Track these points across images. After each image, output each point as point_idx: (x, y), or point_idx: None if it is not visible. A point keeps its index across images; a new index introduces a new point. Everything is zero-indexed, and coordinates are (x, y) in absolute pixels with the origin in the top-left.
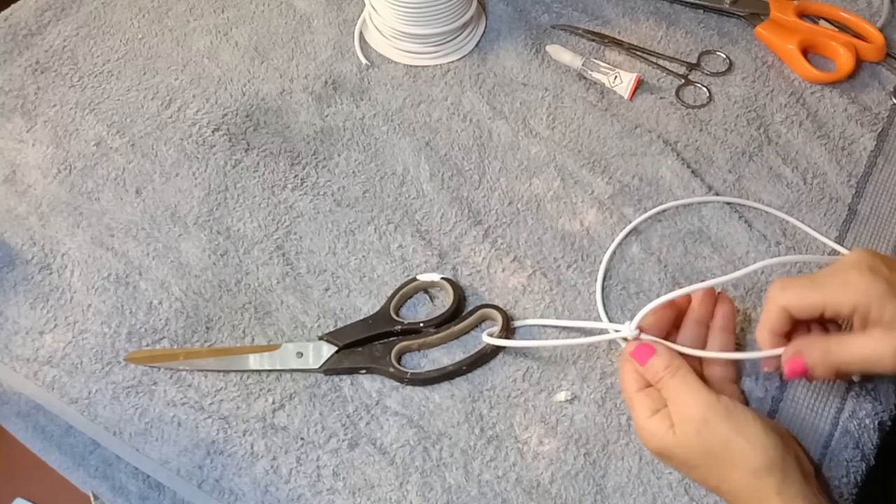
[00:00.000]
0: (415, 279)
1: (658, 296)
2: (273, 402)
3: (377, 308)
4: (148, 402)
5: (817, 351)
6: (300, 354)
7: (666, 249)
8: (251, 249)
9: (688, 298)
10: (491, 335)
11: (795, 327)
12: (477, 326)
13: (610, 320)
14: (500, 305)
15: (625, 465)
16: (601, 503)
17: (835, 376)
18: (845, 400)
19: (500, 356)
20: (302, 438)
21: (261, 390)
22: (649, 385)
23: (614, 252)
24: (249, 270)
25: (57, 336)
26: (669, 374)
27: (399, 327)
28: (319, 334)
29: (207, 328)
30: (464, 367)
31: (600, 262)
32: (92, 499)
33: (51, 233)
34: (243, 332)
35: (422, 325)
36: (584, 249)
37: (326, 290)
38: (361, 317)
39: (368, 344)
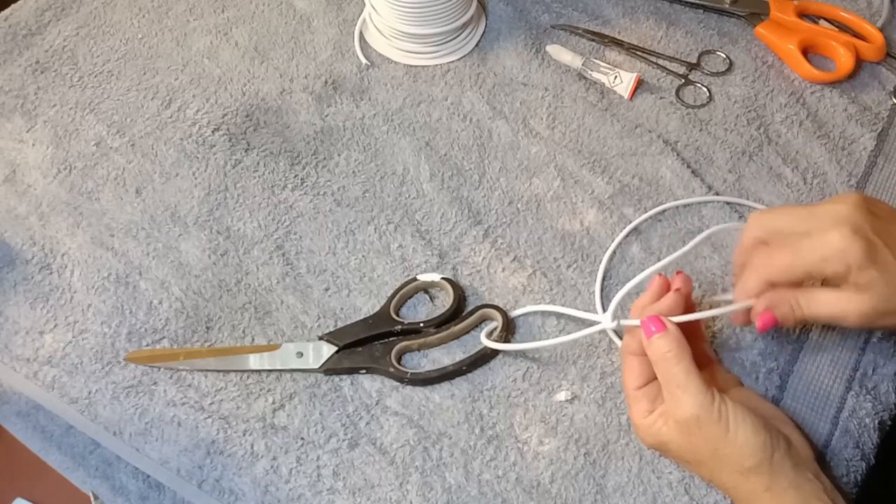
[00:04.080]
0: (415, 279)
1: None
2: (273, 402)
3: (377, 308)
4: (148, 402)
5: (786, 305)
6: (300, 354)
7: (666, 249)
8: (251, 249)
9: (665, 287)
10: (490, 334)
11: None
12: (477, 326)
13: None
14: (500, 305)
15: (625, 464)
16: (601, 503)
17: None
18: (845, 399)
19: (500, 356)
20: (302, 438)
21: (261, 390)
22: (648, 382)
23: (614, 252)
24: (249, 270)
25: (57, 336)
26: (673, 360)
27: (399, 327)
28: (319, 334)
29: (207, 328)
30: (464, 367)
31: (600, 262)
32: (92, 499)
33: (51, 233)
34: (243, 332)
35: (422, 325)
36: (584, 249)
37: (326, 289)
38: (361, 317)
39: (368, 344)
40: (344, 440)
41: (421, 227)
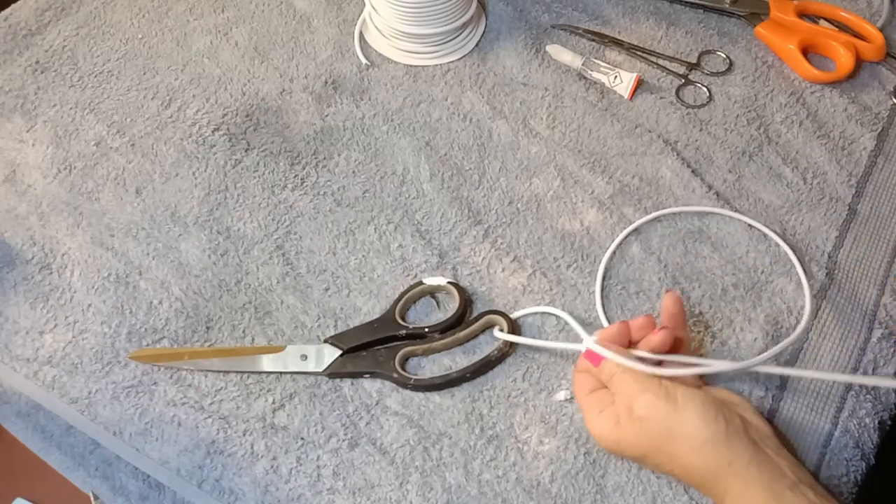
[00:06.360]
0: (421, 283)
1: (658, 295)
2: (273, 402)
3: (377, 308)
4: (148, 401)
5: None
6: (304, 357)
7: (666, 249)
8: (251, 249)
9: (650, 325)
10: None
11: None
12: (482, 332)
13: (609, 320)
14: (501, 305)
15: (625, 464)
16: (601, 502)
17: None
18: (845, 399)
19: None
20: (302, 438)
21: (261, 390)
22: (598, 388)
23: (614, 252)
24: (249, 270)
25: (57, 336)
26: (620, 370)
27: (404, 332)
28: (323, 337)
29: (207, 328)
30: (468, 374)
31: (600, 262)
32: (92, 499)
33: (51, 233)
34: (243, 331)
35: (427, 330)
36: (584, 249)
37: (326, 289)
38: (361, 316)
39: (373, 348)
40: (344, 440)
41: (421, 227)
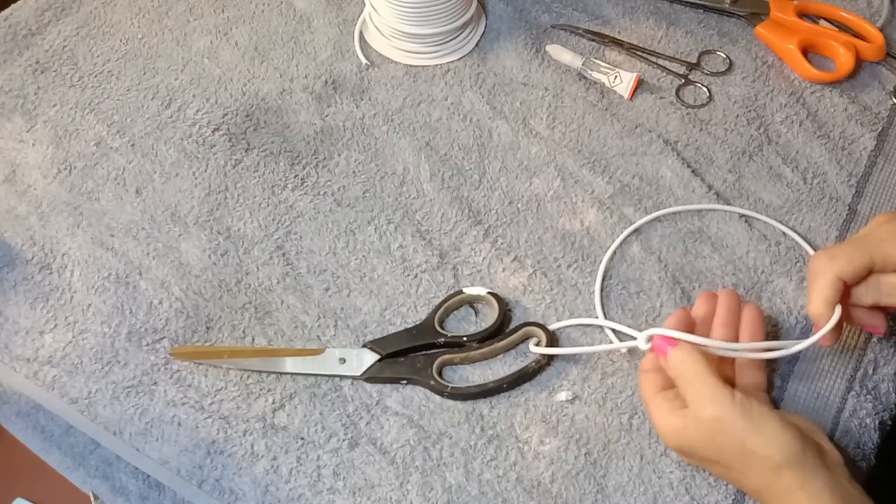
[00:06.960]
0: (460, 292)
1: (658, 295)
2: (273, 402)
3: (377, 308)
4: (148, 401)
5: (864, 289)
6: (343, 360)
7: (666, 249)
8: (251, 249)
9: (712, 305)
10: (537, 345)
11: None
12: (521, 343)
13: (609, 320)
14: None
15: (626, 464)
16: (602, 502)
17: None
18: (846, 399)
19: (501, 357)
20: (302, 438)
21: (261, 390)
22: (667, 388)
23: (614, 252)
24: (249, 270)
25: (57, 336)
26: (688, 368)
27: (442, 339)
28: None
29: (207, 328)
30: (504, 385)
31: (600, 262)
32: (92, 499)
33: (51, 233)
34: (243, 331)
35: (465, 339)
36: (585, 249)
37: (327, 289)
38: (361, 316)
39: (411, 355)
40: (344, 440)
41: (421, 227)
